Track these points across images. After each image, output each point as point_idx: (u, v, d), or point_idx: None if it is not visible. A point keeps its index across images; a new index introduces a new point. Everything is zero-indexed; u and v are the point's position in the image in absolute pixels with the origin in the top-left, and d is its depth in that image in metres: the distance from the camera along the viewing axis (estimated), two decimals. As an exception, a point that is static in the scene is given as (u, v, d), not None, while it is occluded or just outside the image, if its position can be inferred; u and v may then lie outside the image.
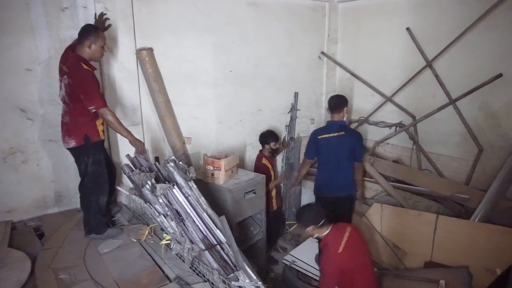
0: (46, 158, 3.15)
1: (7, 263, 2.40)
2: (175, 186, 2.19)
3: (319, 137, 3.36)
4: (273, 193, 4.06)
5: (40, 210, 3.18)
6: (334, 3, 4.81)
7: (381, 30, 4.49)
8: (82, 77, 2.54)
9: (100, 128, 2.74)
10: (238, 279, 2.07)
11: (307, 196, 4.62)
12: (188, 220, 2.18)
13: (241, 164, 4.01)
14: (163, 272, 2.33)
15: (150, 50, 3.33)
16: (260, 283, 2.06)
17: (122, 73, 3.24)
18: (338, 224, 2.72)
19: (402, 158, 4.52)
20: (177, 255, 2.46)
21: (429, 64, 4.02)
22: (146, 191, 2.29)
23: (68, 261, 2.47)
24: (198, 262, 2.31)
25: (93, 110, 2.58)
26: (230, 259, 2.16)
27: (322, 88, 5.07)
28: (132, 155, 2.68)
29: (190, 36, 3.64)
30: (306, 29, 4.65)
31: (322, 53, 4.91)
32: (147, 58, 3.29)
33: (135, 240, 2.73)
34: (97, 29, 2.66)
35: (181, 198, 2.19)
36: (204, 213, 2.21)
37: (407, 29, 4.14)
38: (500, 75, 3.47)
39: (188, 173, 2.33)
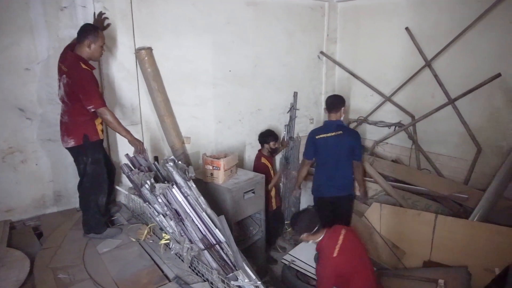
0: (45, 158, 3.14)
1: (6, 262, 2.40)
2: (174, 186, 2.19)
3: (316, 137, 3.36)
4: (273, 192, 4.06)
5: (39, 210, 3.17)
6: (333, 3, 4.81)
7: (380, 30, 4.49)
8: (81, 76, 2.54)
9: (99, 127, 2.73)
10: (237, 278, 2.07)
11: (307, 196, 4.61)
12: (187, 219, 2.18)
13: (240, 164, 4.01)
14: (162, 271, 2.33)
15: (149, 49, 3.32)
16: (259, 282, 2.06)
17: (121, 73, 3.24)
18: (332, 227, 2.70)
19: (401, 158, 4.52)
20: (176, 254, 2.46)
21: (428, 64, 4.02)
22: (145, 190, 2.29)
23: (67, 260, 2.47)
24: (197, 261, 2.31)
25: (92, 110, 2.58)
26: (229, 259, 2.16)
27: (321, 88, 5.08)
28: (131, 154, 2.68)
29: (190, 36, 3.64)
30: (305, 28, 4.65)
31: (321, 52, 4.91)
32: (146, 58, 3.29)
33: (134, 240, 2.72)
34: (96, 28, 2.65)
35: (180, 197, 2.19)
36: (203, 213, 2.20)
37: (406, 28, 4.14)
38: (499, 74, 3.47)
39: (187, 173, 2.33)
